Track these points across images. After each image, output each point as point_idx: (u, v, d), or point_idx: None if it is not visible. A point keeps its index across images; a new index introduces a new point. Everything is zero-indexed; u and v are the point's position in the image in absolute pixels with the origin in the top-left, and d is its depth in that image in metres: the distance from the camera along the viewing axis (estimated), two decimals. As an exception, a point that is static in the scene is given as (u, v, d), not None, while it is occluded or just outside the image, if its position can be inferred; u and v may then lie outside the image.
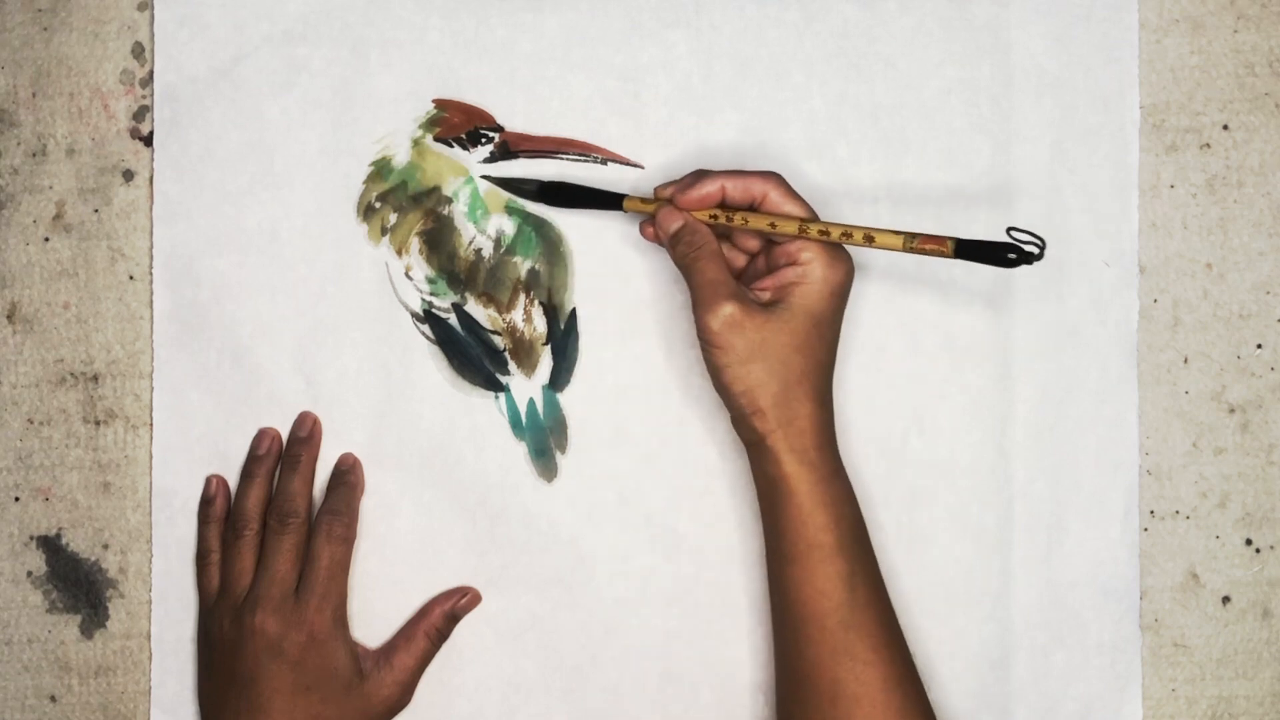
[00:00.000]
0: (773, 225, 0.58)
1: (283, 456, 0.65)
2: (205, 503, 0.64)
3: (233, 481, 0.65)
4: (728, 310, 0.57)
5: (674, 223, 0.60)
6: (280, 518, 0.63)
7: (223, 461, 0.65)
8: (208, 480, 0.65)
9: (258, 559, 0.63)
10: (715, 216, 0.60)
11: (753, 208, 0.59)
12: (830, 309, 0.58)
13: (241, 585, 0.62)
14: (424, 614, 0.64)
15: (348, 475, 0.64)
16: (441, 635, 0.64)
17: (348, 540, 0.63)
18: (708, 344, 0.58)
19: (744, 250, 0.62)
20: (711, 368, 0.58)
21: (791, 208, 0.59)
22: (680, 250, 0.59)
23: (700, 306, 0.58)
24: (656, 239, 0.61)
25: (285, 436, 0.65)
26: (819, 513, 0.57)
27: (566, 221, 0.65)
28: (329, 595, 0.62)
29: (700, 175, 0.60)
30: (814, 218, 0.59)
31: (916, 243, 0.57)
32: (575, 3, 0.65)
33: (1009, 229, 0.56)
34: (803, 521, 0.57)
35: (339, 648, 0.62)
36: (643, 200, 0.62)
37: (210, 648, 0.63)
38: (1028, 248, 0.55)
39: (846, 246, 0.59)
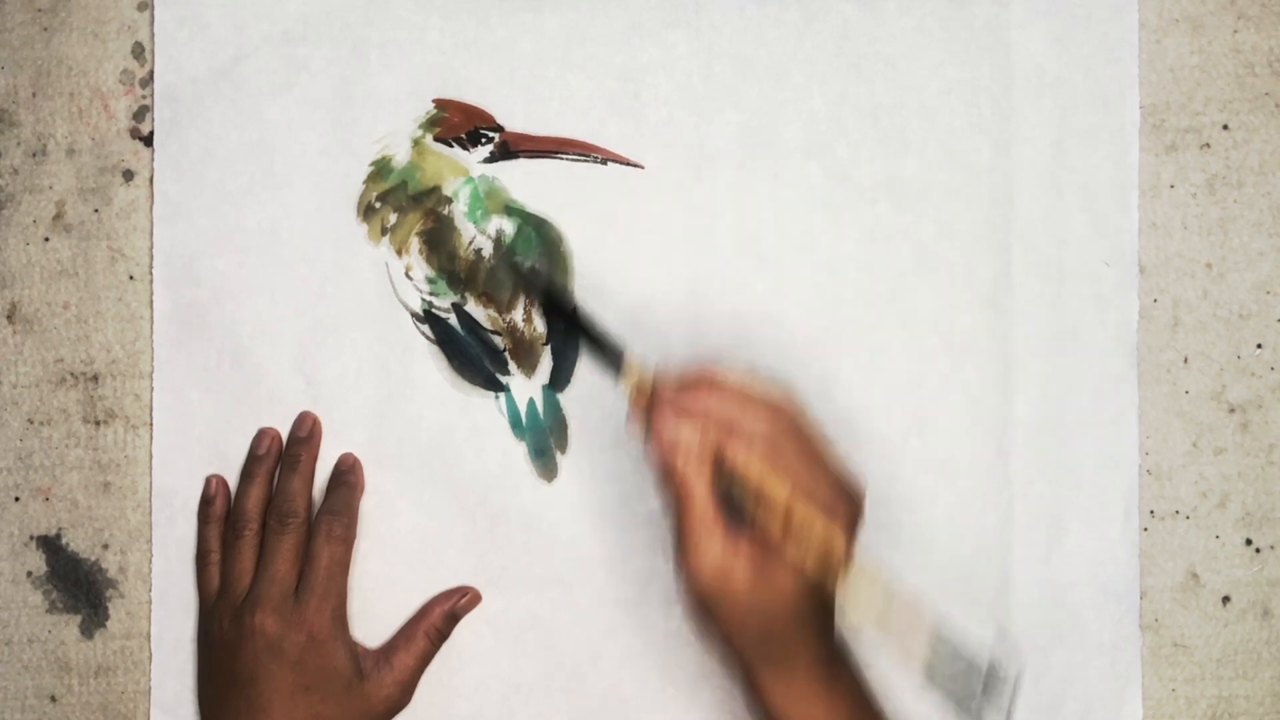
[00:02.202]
0: (761, 488, 0.54)
1: (282, 456, 0.65)
2: (205, 503, 0.64)
3: (233, 481, 0.65)
4: (714, 577, 0.54)
5: (659, 461, 0.55)
6: (280, 518, 0.63)
7: (223, 461, 0.65)
8: (207, 480, 0.65)
9: (258, 559, 0.63)
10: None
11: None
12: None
13: (241, 585, 0.62)
14: (424, 614, 0.64)
15: (347, 475, 0.64)
16: (441, 635, 0.64)
17: (347, 540, 0.63)
18: (687, 599, 0.55)
19: None
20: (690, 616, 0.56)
21: (793, 460, 0.54)
22: (666, 492, 0.55)
23: (688, 571, 0.54)
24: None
25: (285, 436, 0.65)
26: None
27: (566, 221, 0.65)
28: (329, 595, 0.62)
29: (704, 376, 0.56)
30: (816, 479, 0.54)
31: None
32: (575, 3, 0.65)
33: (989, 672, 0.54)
34: None
35: (339, 647, 0.62)
36: (639, 386, 0.57)
37: (210, 648, 0.63)
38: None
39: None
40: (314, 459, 0.64)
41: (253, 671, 0.60)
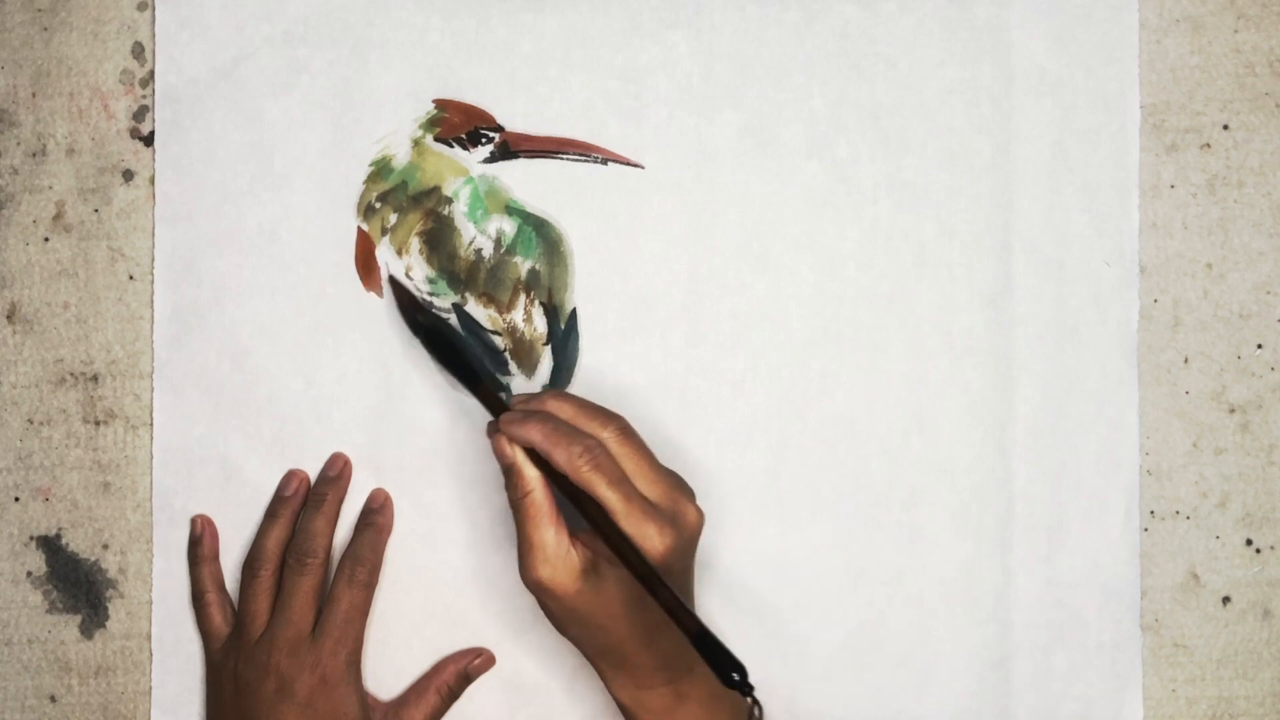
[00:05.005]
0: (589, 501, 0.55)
1: (309, 495, 0.64)
2: (193, 544, 0.64)
3: (219, 519, 0.64)
4: (543, 575, 0.55)
5: (503, 460, 0.57)
6: (299, 557, 0.62)
7: (222, 462, 0.65)
8: (193, 520, 0.64)
9: (273, 602, 0.62)
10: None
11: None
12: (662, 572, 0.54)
13: (256, 626, 0.61)
14: (437, 671, 0.64)
15: (376, 516, 0.64)
16: (453, 694, 0.63)
17: (369, 586, 0.63)
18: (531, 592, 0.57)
19: None
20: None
21: (605, 492, 0.54)
22: (508, 493, 0.57)
23: (520, 562, 0.56)
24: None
25: (289, 434, 0.64)
26: None
27: (567, 221, 0.65)
28: (345, 639, 0.61)
29: (539, 406, 0.57)
30: (633, 497, 0.54)
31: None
32: (575, 3, 0.65)
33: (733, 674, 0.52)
34: None
35: (350, 693, 0.61)
36: (494, 399, 0.60)
37: (219, 687, 0.62)
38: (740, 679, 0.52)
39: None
40: (340, 500, 0.64)
41: (262, 712, 0.60)
